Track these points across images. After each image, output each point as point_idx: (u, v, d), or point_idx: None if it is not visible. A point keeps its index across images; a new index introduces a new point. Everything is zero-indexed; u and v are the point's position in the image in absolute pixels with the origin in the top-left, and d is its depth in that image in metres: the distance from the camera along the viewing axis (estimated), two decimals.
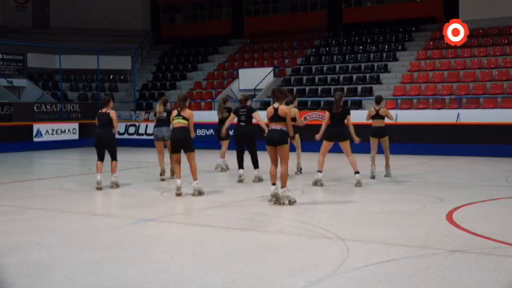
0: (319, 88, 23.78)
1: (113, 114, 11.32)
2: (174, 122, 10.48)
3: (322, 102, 22.33)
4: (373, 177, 12.48)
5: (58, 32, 29.57)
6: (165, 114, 12.52)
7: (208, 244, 6.92)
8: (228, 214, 8.96)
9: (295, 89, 24.15)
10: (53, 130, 22.08)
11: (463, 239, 6.96)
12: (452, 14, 25.12)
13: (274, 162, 9.43)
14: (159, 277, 5.50)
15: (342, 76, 24.23)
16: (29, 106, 22.48)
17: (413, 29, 25.93)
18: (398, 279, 5.41)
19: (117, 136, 12.44)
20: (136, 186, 12.10)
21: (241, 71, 25.38)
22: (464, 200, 9.63)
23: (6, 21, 29.72)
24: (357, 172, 11.25)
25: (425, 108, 20.51)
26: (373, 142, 12.63)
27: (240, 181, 12.08)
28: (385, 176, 12.79)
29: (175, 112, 10.55)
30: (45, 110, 22.26)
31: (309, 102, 22.78)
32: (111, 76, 29.31)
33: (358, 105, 21.85)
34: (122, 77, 29.44)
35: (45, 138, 21.48)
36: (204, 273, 5.63)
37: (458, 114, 18.96)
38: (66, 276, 5.64)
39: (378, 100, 12.78)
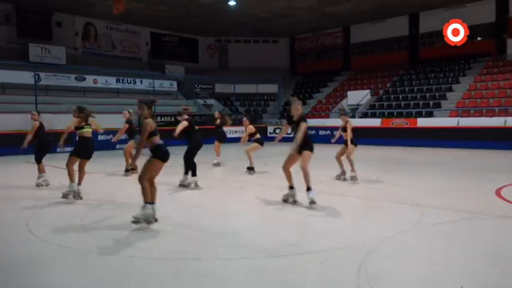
0: (402, 103, 22.75)
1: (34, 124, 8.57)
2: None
3: (404, 112, 21.43)
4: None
5: (233, 71, 30.74)
6: None
7: (331, 208, 6.70)
8: (346, 187, 8.80)
9: (385, 103, 23.36)
10: (230, 131, 23.08)
11: (508, 208, 6.45)
12: (502, 49, 22.96)
13: None
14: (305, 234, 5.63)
15: (418, 95, 22.98)
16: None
17: (472, 61, 23.91)
18: (460, 233, 5.18)
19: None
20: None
21: (349, 92, 24.98)
22: (509, 181, 8.84)
23: (202, 65, 31.42)
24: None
25: (480, 116, 18.95)
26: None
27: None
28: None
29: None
30: None
31: (395, 113, 21.93)
32: (265, 97, 30.01)
33: (430, 115, 20.71)
34: (271, 97, 30.05)
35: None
36: (324, 224, 5.70)
37: (505, 120, 17.50)
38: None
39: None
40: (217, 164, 12.14)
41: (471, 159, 13.86)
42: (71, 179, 7.11)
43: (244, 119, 11.67)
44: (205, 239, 4.99)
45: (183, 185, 8.36)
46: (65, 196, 7.05)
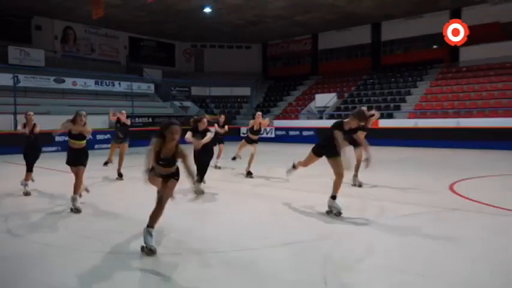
0: (366, 105, 23.11)
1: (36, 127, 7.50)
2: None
3: None
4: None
5: (209, 74, 30.60)
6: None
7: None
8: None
9: (350, 106, 23.71)
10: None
11: (459, 202, 6.65)
12: (455, 56, 23.68)
13: None
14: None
15: (380, 98, 23.46)
16: (191, 117, 23.43)
17: (429, 67, 24.59)
18: (420, 225, 5.29)
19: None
20: None
21: (316, 95, 25.23)
22: (463, 176, 9.12)
23: (179, 68, 31.12)
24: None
25: (435, 118, 19.51)
26: None
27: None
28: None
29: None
30: None
31: None
32: (238, 99, 29.95)
33: (390, 116, 21.17)
34: (245, 100, 30.02)
35: None
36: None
37: (458, 121, 18.09)
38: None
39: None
40: (219, 167, 11.04)
41: (426, 157, 14.23)
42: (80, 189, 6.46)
43: (259, 113, 9.81)
44: (198, 238, 4.92)
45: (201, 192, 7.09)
46: (78, 209, 6.03)
